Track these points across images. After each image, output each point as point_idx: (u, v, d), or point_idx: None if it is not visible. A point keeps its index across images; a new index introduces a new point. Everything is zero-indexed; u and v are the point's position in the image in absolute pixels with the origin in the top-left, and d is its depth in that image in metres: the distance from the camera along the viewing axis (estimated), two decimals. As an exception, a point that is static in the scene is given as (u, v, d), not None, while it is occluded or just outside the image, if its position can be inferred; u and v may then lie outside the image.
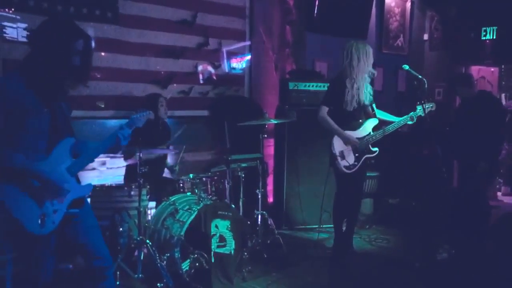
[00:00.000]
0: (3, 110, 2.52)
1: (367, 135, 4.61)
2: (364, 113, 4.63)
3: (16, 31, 4.53)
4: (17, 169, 2.54)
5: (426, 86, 4.74)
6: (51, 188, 2.63)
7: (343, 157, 4.54)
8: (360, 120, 4.61)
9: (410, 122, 4.67)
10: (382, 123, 4.77)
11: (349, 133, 4.54)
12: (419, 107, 4.62)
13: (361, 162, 4.57)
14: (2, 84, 2.61)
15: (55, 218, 2.64)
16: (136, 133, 3.31)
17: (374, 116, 4.70)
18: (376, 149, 4.65)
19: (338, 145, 4.55)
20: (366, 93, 4.60)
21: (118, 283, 3.87)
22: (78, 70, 2.71)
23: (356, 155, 4.56)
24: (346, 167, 4.54)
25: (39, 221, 2.58)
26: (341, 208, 4.76)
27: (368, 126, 4.64)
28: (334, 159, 4.55)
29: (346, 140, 4.52)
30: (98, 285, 2.87)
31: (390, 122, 4.73)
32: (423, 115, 4.61)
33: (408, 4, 8.78)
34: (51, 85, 2.68)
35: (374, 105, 4.76)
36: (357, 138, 4.56)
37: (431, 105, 4.72)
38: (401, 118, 4.68)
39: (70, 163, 2.74)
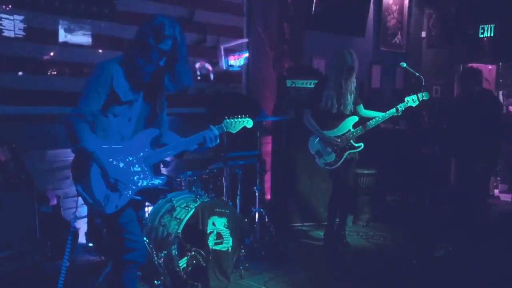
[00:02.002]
0: (98, 95, 2.65)
1: (347, 131, 4.87)
2: (343, 114, 4.87)
3: (13, 27, 4.51)
4: (89, 154, 2.62)
5: (423, 83, 4.75)
6: (122, 171, 2.71)
7: (320, 156, 4.96)
8: (340, 119, 4.88)
9: (396, 114, 4.78)
10: (369, 119, 4.91)
11: (329, 132, 4.87)
12: (407, 98, 4.75)
13: (343, 158, 4.87)
14: (107, 70, 2.69)
15: (118, 202, 2.71)
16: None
17: (355, 114, 4.92)
18: (360, 144, 4.91)
19: (313, 145, 5.00)
20: (349, 100, 4.83)
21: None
22: (164, 70, 2.79)
23: (338, 151, 4.87)
24: (325, 164, 4.93)
25: (103, 200, 2.66)
26: (332, 201, 5.14)
27: (347, 123, 4.89)
28: (313, 158, 4.99)
29: (326, 140, 4.87)
30: (123, 274, 2.91)
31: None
32: (414, 105, 4.74)
33: (406, 2, 8.78)
34: (143, 80, 2.76)
35: (361, 106, 4.98)
36: (336, 136, 4.87)
37: (423, 95, 4.77)
38: (385, 113, 4.81)
39: (147, 153, 2.81)
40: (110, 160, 2.68)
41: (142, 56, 2.70)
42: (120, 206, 2.72)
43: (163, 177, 2.89)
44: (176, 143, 2.94)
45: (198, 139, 2.93)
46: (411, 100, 4.75)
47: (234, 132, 3.13)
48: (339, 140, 4.86)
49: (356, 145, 4.91)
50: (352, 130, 4.87)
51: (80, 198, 2.78)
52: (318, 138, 4.97)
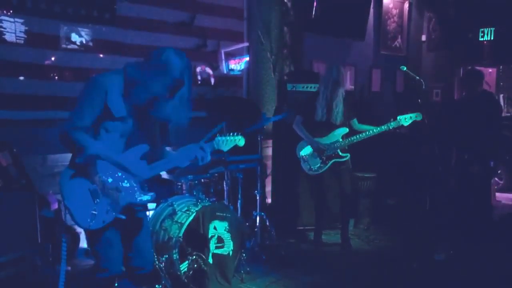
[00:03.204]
0: (97, 110, 2.62)
1: (336, 141, 5.07)
2: (332, 124, 5.06)
3: (14, 32, 4.53)
4: (97, 157, 2.61)
5: (423, 87, 4.75)
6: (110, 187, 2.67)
7: (305, 161, 5.20)
8: (330, 129, 5.08)
9: (385, 130, 4.94)
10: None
11: (318, 140, 5.08)
12: (400, 117, 4.88)
13: (328, 165, 5.09)
14: (102, 85, 2.65)
15: (105, 218, 2.68)
16: None
17: (344, 125, 5.09)
18: (346, 154, 5.12)
19: (301, 150, 5.22)
20: (337, 112, 5.01)
21: (116, 284, 3.86)
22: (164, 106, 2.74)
23: (324, 159, 5.09)
24: (309, 169, 5.18)
25: (89, 216, 2.63)
26: (317, 205, 5.38)
27: (337, 134, 5.08)
28: (298, 162, 5.22)
29: (315, 146, 5.09)
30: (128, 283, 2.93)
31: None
32: (406, 124, 4.90)
33: (406, 5, 8.81)
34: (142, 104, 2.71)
35: (355, 120, 5.14)
36: (325, 144, 5.06)
37: (416, 115, 4.89)
38: (377, 128, 4.95)
39: (136, 172, 2.77)
40: (99, 174, 2.66)
41: (143, 88, 2.67)
42: (107, 222, 2.69)
43: (151, 194, 2.84)
44: (167, 160, 2.89)
45: (189, 157, 2.87)
46: (403, 119, 4.88)
47: (225, 150, 3.07)
48: (326, 147, 5.05)
49: (343, 154, 5.10)
50: (340, 140, 5.07)
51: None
52: (306, 144, 5.18)
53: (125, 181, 2.73)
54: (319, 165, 5.12)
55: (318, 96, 5.10)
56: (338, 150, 5.08)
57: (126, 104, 2.69)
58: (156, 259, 3.91)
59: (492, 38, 8.28)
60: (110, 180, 2.69)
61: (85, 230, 2.78)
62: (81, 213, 2.62)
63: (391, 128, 4.92)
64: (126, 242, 2.88)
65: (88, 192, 2.64)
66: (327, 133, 5.10)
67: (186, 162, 2.89)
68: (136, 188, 2.77)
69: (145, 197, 2.80)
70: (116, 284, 3.35)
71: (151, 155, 2.85)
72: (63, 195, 2.62)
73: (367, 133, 4.96)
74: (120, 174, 2.72)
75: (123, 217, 2.73)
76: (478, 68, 6.62)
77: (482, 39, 8.42)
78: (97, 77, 2.70)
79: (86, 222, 2.62)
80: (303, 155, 5.22)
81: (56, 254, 4.08)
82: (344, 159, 5.12)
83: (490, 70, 9.10)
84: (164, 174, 5.32)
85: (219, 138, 3.04)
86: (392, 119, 4.91)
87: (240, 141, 3.11)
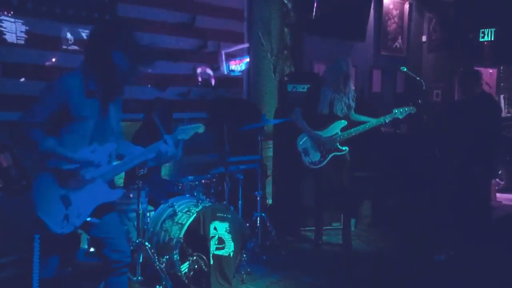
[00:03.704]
0: (49, 111, 2.60)
1: (335, 134, 5.06)
2: (334, 116, 5.07)
3: (15, 33, 4.54)
4: (51, 153, 2.60)
5: (424, 87, 4.76)
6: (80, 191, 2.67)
7: (306, 154, 5.15)
8: (330, 121, 5.07)
9: (382, 123, 5.05)
10: (359, 124, 5.09)
11: (318, 132, 5.06)
12: (395, 110, 5.01)
13: (328, 159, 5.07)
14: (58, 88, 2.65)
15: (76, 222, 2.69)
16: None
17: (345, 118, 5.10)
18: (345, 148, 5.09)
19: (301, 143, 5.18)
20: (341, 104, 5.06)
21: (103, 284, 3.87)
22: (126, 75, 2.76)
23: (324, 152, 5.06)
24: (310, 162, 5.14)
25: (62, 221, 2.63)
26: (317, 200, 5.35)
27: (336, 127, 5.08)
28: (299, 155, 5.16)
29: (315, 139, 5.07)
30: (111, 278, 2.93)
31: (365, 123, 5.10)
32: (401, 117, 5.03)
33: (407, 6, 8.81)
34: (107, 92, 2.73)
35: (353, 111, 5.15)
36: (325, 137, 5.05)
37: (410, 109, 5.02)
38: (374, 120, 5.02)
39: (105, 170, 2.78)
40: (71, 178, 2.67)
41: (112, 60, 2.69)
42: (78, 226, 2.71)
43: (119, 190, 2.87)
44: (133, 156, 2.90)
45: (154, 150, 2.90)
46: (399, 112, 5.02)
47: (186, 138, 3.10)
48: (326, 141, 5.04)
49: (342, 148, 5.09)
50: (339, 133, 5.07)
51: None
52: (306, 137, 5.16)
53: (94, 183, 2.74)
54: (318, 158, 5.11)
55: (322, 87, 5.07)
56: (337, 143, 5.08)
57: (87, 103, 2.68)
58: (156, 259, 3.92)
59: (492, 39, 8.28)
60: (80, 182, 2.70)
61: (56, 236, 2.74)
62: (53, 220, 2.63)
63: (387, 121, 5.03)
64: (98, 239, 2.91)
65: (59, 198, 2.64)
66: (326, 126, 5.10)
67: (152, 154, 2.90)
68: (105, 188, 2.78)
69: (114, 195, 2.82)
70: (102, 284, 3.38)
71: (119, 152, 2.87)
72: (35, 205, 2.62)
73: (365, 125, 5.02)
74: (87, 178, 2.72)
75: (97, 220, 2.75)
76: (476, 68, 6.62)
77: (482, 39, 8.42)
78: (61, 77, 2.70)
79: (59, 227, 2.64)
80: (303, 147, 5.19)
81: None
82: (343, 152, 5.10)
83: (490, 71, 9.11)
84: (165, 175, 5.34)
85: (180, 128, 3.06)
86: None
87: (200, 128, 3.15)
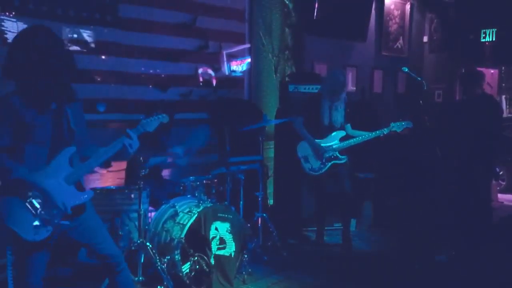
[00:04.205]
0: (7, 129, 2.62)
1: (334, 143, 5.19)
2: (334, 126, 5.22)
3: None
4: (16, 179, 2.60)
5: (425, 88, 4.76)
6: (46, 197, 2.66)
7: (306, 161, 5.25)
8: (329, 131, 5.21)
9: (379, 135, 5.17)
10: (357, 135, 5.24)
11: (318, 141, 5.19)
12: (393, 124, 5.15)
13: (327, 166, 5.19)
14: (4, 105, 2.66)
15: (48, 227, 2.67)
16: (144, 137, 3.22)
17: (343, 129, 5.24)
18: (344, 157, 5.22)
19: (301, 150, 5.28)
20: (338, 114, 5.20)
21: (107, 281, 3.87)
22: (59, 72, 2.71)
23: (323, 160, 5.17)
24: (310, 169, 5.23)
25: (33, 229, 2.62)
26: (317, 209, 5.49)
27: (335, 136, 5.22)
28: (299, 162, 5.26)
29: (315, 147, 5.18)
30: (113, 279, 3.00)
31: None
32: (398, 130, 5.18)
33: (408, 7, 8.81)
34: (45, 95, 2.70)
35: (349, 125, 5.28)
36: (325, 146, 5.18)
37: (407, 123, 5.17)
38: (371, 133, 5.14)
39: (68, 172, 2.75)
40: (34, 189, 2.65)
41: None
42: (51, 231, 2.68)
43: (88, 192, 2.86)
44: (96, 154, 2.87)
45: (117, 146, 2.87)
46: (396, 126, 5.15)
47: (151, 130, 3.05)
48: (326, 150, 5.16)
49: (341, 157, 5.21)
50: (339, 143, 5.20)
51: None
52: (306, 145, 5.26)
53: (57, 187, 2.72)
54: (319, 165, 5.19)
55: (322, 99, 5.20)
56: (337, 152, 5.18)
57: (38, 110, 2.68)
58: (158, 260, 3.93)
59: (494, 39, 8.28)
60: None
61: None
62: (24, 229, 2.61)
63: (385, 133, 5.17)
64: (85, 245, 2.98)
65: (26, 206, 2.62)
66: (326, 135, 5.21)
67: (113, 152, 2.88)
68: (71, 191, 2.76)
69: (83, 196, 2.81)
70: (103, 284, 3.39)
71: (81, 153, 2.86)
72: (3, 217, 2.61)
73: (363, 137, 5.15)
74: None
75: (67, 222, 2.73)
76: (477, 69, 6.62)
77: (483, 40, 8.42)
78: (1, 98, 2.70)
79: (30, 235, 2.62)
80: (303, 155, 5.27)
81: (55, 255, 4.09)
82: (343, 161, 5.21)
83: (492, 71, 9.10)
84: (165, 175, 5.35)
85: (144, 120, 3.03)
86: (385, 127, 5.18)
87: (164, 118, 3.11)
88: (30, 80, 2.68)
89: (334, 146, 5.18)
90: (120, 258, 3.00)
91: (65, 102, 2.79)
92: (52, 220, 2.68)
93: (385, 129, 5.15)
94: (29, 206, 2.63)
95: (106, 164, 2.95)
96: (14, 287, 2.80)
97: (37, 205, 2.64)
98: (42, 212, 2.65)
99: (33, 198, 2.63)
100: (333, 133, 5.20)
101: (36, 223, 2.63)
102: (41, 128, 2.69)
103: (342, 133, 5.22)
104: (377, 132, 5.14)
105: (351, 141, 5.16)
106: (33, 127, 2.66)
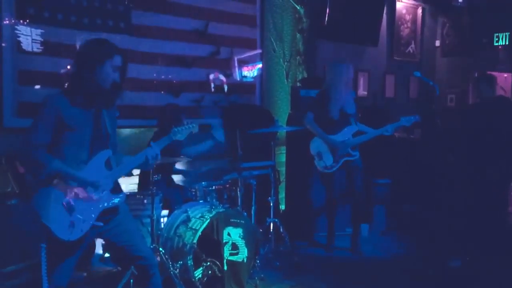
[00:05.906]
0: (51, 127, 2.70)
1: (347, 139, 5.12)
2: (345, 121, 5.13)
3: (31, 41, 4.60)
4: (57, 173, 2.68)
5: (437, 92, 4.75)
6: (86, 189, 2.75)
7: (320, 158, 5.18)
8: (341, 126, 5.12)
9: (386, 134, 5.14)
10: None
11: (331, 137, 5.10)
12: (402, 118, 5.15)
13: (340, 163, 5.11)
14: (49, 103, 2.75)
15: (83, 227, 2.74)
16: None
17: (354, 124, 5.20)
18: (356, 153, 5.17)
19: (314, 147, 5.23)
20: (349, 104, 5.13)
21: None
22: (118, 85, 2.86)
23: (335, 157, 5.10)
24: (324, 167, 5.17)
25: (68, 228, 2.69)
26: (328, 208, 5.40)
27: (347, 132, 5.14)
28: (312, 159, 5.21)
29: (329, 143, 5.11)
30: (146, 283, 3.04)
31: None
32: (408, 125, 5.18)
33: (420, 11, 8.78)
34: (95, 102, 2.81)
35: (354, 120, 5.22)
36: (338, 141, 5.11)
37: (416, 117, 5.17)
38: (382, 129, 5.13)
39: (104, 175, 2.85)
40: (71, 186, 2.74)
41: (97, 73, 2.77)
42: (85, 231, 2.75)
43: (121, 195, 2.93)
44: (126, 162, 2.99)
45: (141, 157, 2.98)
46: (405, 120, 5.15)
47: (182, 139, 3.18)
48: (339, 146, 5.10)
49: (353, 153, 5.15)
50: (351, 138, 5.13)
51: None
52: (319, 141, 5.18)
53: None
54: (331, 162, 5.14)
55: (330, 93, 5.11)
56: (349, 149, 5.11)
57: (81, 113, 2.78)
58: (170, 265, 3.94)
59: (507, 43, 8.21)
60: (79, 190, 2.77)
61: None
62: (60, 227, 2.68)
63: (392, 130, 5.13)
64: (118, 248, 3.00)
65: (62, 206, 2.70)
66: (338, 130, 5.14)
67: (137, 163, 3.00)
68: (105, 193, 2.84)
69: (116, 199, 2.89)
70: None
71: (114, 159, 2.95)
72: (39, 214, 2.68)
73: (377, 132, 5.12)
74: (95, 198, 2.81)
75: (101, 224, 2.80)
76: (491, 73, 6.56)
77: (497, 44, 8.35)
78: (46, 96, 2.81)
79: (66, 234, 2.69)
80: (317, 151, 5.22)
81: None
82: (354, 157, 5.15)
83: (505, 75, 9.01)
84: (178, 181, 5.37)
85: (175, 129, 3.13)
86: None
87: (194, 128, 3.24)
88: (84, 83, 2.77)
89: (347, 142, 5.11)
90: (153, 261, 3.07)
91: (105, 107, 2.89)
92: (87, 221, 2.74)
93: (396, 123, 5.13)
94: (65, 204, 2.69)
95: (128, 173, 3.06)
96: (49, 284, 2.84)
97: (73, 204, 2.71)
98: (77, 211, 2.71)
99: (69, 197, 2.70)
100: (346, 128, 5.13)
101: (72, 223, 2.69)
102: (83, 133, 2.78)
103: (354, 128, 5.16)
104: (388, 127, 5.10)
105: (364, 137, 5.12)
106: (74, 128, 2.74)
